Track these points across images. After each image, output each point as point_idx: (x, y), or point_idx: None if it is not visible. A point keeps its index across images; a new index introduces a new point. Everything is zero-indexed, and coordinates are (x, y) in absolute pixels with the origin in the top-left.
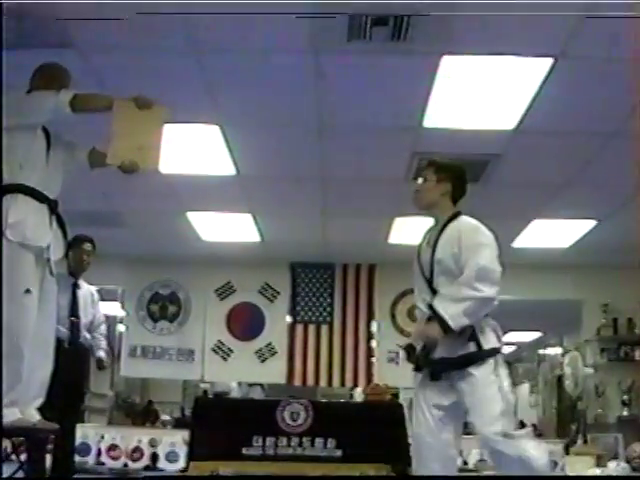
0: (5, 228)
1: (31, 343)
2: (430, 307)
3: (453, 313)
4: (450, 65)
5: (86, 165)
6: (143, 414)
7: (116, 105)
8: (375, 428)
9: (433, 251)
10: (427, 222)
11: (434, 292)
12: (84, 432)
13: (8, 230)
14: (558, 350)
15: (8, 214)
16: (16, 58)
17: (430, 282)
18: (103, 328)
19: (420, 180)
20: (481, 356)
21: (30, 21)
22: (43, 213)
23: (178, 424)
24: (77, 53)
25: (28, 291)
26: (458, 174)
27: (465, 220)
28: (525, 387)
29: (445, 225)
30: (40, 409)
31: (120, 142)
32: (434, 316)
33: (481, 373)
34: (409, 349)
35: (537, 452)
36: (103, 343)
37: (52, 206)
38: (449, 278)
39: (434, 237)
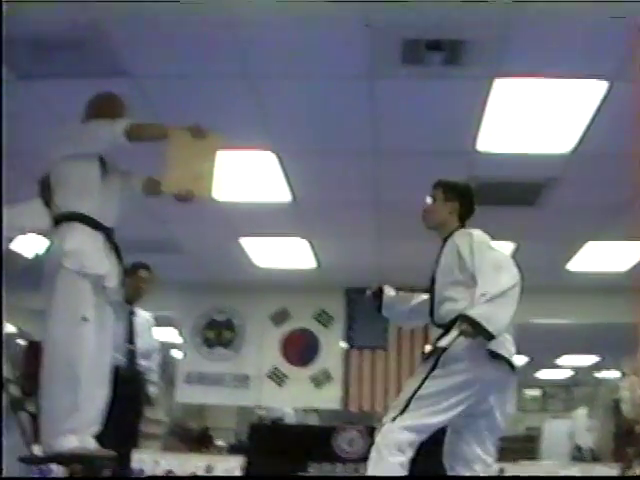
0: (62, 256)
1: (88, 371)
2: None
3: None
4: (504, 88)
5: (141, 193)
6: (199, 440)
7: (171, 134)
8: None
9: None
10: None
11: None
12: (140, 458)
13: (65, 258)
14: (616, 374)
15: (65, 242)
16: (71, 88)
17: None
18: (157, 356)
19: (429, 200)
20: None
21: (84, 51)
22: (99, 241)
23: (233, 450)
24: (131, 81)
25: (85, 319)
26: (465, 193)
27: (459, 231)
28: (582, 411)
29: (445, 240)
30: (97, 436)
31: (175, 171)
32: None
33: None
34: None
35: (379, 454)
36: (155, 376)
37: (108, 234)
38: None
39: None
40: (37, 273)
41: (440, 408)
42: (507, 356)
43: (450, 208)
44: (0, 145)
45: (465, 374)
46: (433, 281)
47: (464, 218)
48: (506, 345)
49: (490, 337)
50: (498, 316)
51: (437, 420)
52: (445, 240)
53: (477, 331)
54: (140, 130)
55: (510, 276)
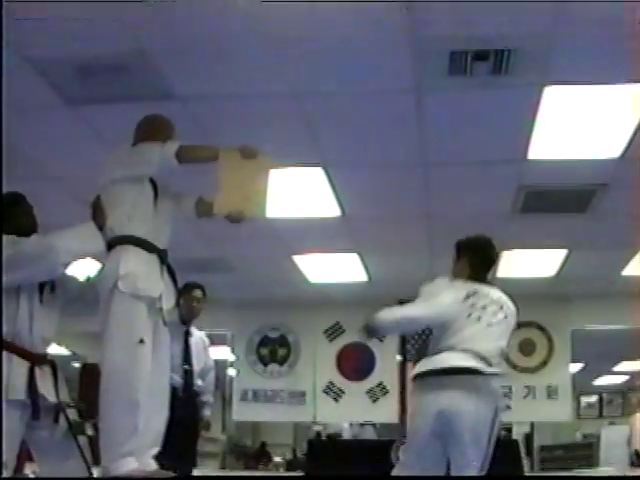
0: (117, 280)
1: (147, 393)
2: None
3: None
4: (553, 96)
5: (193, 215)
6: (256, 456)
7: (222, 155)
8: (491, 466)
9: None
10: (533, 256)
11: None
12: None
13: (120, 282)
14: None
15: (119, 266)
16: (118, 112)
17: None
18: (212, 376)
19: None
20: None
21: (130, 74)
22: (154, 263)
23: (290, 466)
24: (179, 104)
25: (142, 341)
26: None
27: None
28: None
29: None
30: (156, 457)
31: (227, 192)
32: None
33: None
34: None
35: None
36: (210, 397)
37: (162, 256)
38: None
39: None
40: (90, 297)
41: None
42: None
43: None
44: (0, 144)
45: None
46: None
47: (476, 269)
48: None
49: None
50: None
51: None
52: None
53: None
54: (191, 152)
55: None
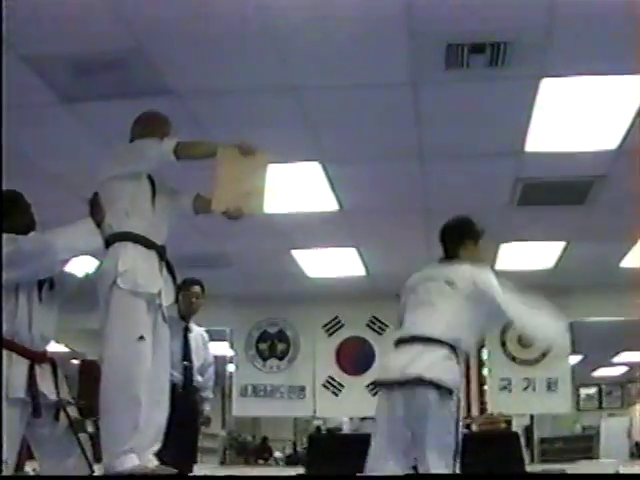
0: (116, 276)
1: (147, 390)
2: None
3: None
4: (550, 88)
5: (191, 212)
6: (258, 451)
7: (220, 152)
8: (491, 459)
9: None
10: (532, 248)
11: None
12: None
13: (119, 278)
14: None
15: (118, 263)
16: (115, 108)
17: None
18: (211, 371)
19: None
20: None
21: (127, 70)
22: (152, 260)
23: (290, 461)
24: (176, 99)
25: (142, 338)
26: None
27: None
28: (639, 407)
29: None
30: (157, 454)
31: (224, 189)
32: None
33: None
34: None
35: None
36: (210, 393)
37: (161, 252)
38: None
39: None
40: (88, 294)
41: None
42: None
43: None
44: (0, 144)
45: None
46: None
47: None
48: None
49: None
50: None
51: None
52: None
53: None
54: (189, 148)
55: None
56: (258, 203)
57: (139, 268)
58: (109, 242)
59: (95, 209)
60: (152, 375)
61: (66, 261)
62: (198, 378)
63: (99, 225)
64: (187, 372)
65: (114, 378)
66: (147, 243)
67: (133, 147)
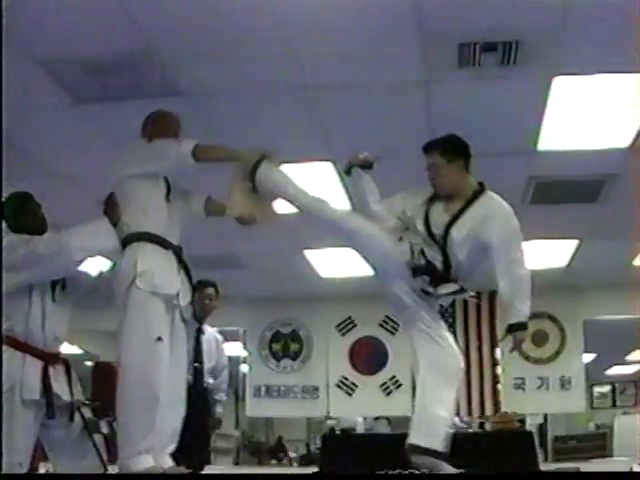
0: (135, 277)
1: (164, 390)
2: None
3: None
4: (561, 86)
5: (202, 214)
6: (273, 451)
7: (242, 159)
8: (505, 458)
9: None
10: (545, 246)
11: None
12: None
13: (138, 279)
14: None
15: (137, 263)
16: (126, 110)
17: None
18: (225, 374)
19: (431, 167)
20: None
21: (138, 72)
22: (170, 260)
23: (304, 461)
24: (186, 100)
25: (160, 339)
26: (460, 144)
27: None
28: None
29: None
30: (172, 454)
31: (241, 195)
32: None
33: None
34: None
35: None
36: (223, 395)
37: (178, 252)
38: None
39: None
40: (102, 292)
41: None
42: None
43: (457, 167)
44: (0, 143)
45: None
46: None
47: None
48: None
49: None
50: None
51: None
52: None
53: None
54: (207, 151)
55: None
56: (272, 211)
57: (157, 269)
58: (126, 242)
59: (111, 208)
60: (169, 376)
61: (81, 261)
62: (209, 380)
63: (115, 224)
64: (197, 373)
65: (131, 378)
66: (165, 243)
67: (152, 146)
